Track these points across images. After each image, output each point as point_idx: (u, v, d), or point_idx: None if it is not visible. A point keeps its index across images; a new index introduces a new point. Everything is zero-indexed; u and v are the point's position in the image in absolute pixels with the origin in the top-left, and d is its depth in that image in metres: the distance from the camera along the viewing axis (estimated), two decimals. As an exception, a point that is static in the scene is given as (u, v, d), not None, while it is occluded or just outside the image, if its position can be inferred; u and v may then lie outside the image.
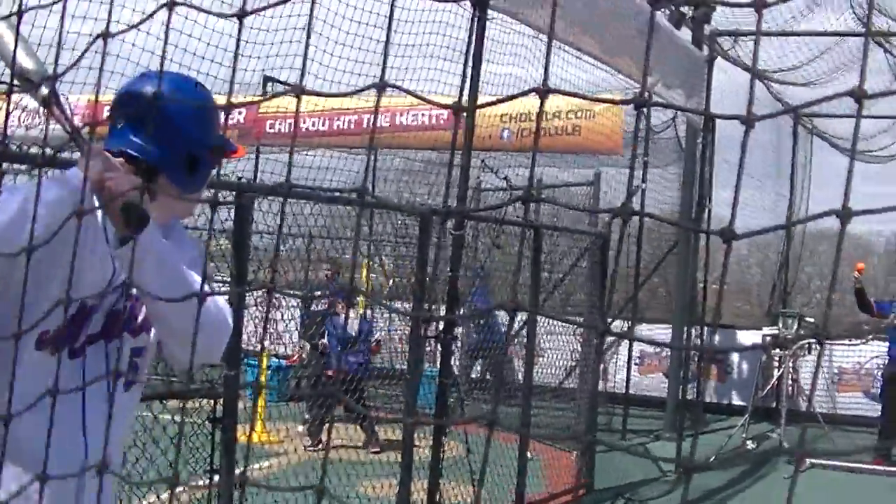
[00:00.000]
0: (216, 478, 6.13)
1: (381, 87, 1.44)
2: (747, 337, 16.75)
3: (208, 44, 9.82)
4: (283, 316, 15.85)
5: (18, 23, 2.67)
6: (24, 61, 2.76)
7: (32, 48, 2.86)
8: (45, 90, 2.75)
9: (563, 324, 12.50)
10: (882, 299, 15.48)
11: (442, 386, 7.94)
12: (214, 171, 3.23)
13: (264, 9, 1.43)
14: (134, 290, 2.92)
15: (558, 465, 11.23)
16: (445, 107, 1.41)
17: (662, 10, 12.49)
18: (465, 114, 7.65)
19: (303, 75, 1.45)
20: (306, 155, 15.19)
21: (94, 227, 2.79)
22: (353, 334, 12.58)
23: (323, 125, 16.26)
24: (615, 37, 9.82)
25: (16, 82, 2.74)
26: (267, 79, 15.75)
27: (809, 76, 15.83)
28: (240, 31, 1.36)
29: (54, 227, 2.49)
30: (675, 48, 11.71)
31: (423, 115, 15.88)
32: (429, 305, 8.80)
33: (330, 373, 12.77)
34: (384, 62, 1.50)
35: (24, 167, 4.74)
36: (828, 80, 15.64)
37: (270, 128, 16.59)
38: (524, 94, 1.38)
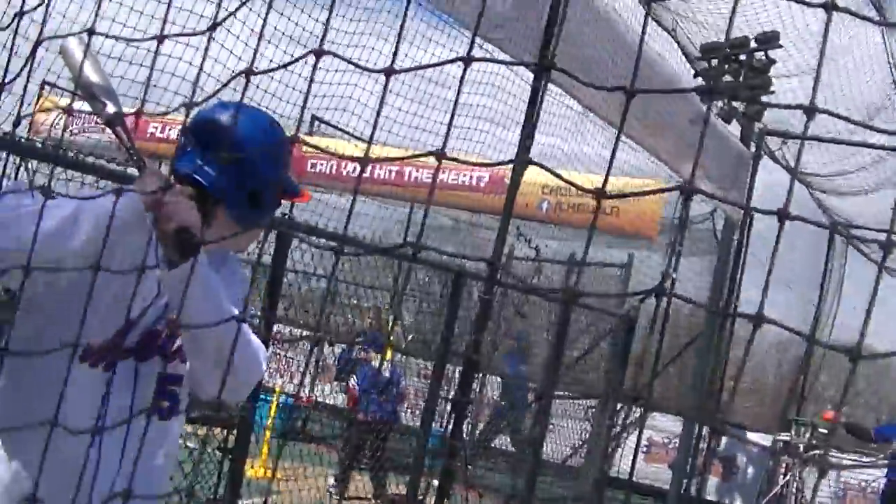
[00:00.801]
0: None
1: (439, 155, 1.45)
2: (757, 439, 16.62)
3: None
4: (296, 357, 15.88)
5: (89, 40, 2.70)
6: (92, 77, 2.80)
7: (101, 65, 2.89)
8: (111, 109, 2.78)
9: (575, 402, 12.47)
10: (882, 424, 15.34)
11: (452, 447, 7.91)
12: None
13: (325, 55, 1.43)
14: (174, 316, 2.91)
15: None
16: (501, 162, 1.41)
17: (714, 102, 12.52)
18: (507, 179, 7.66)
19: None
20: (339, 196, 15.28)
21: (148, 247, 2.78)
22: (383, 382, 12.67)
23: (365, 171, 16.29)
24: (664, 124, 9.85)
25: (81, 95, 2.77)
26: (314, 118, 15.87)
27: (854, 185, 15.80)
28: (311, 77, 1.37)
29: (99, 240, 2.52)
30: (722, 141, 11.74)
31: (464, 175, 15.91)
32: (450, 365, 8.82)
33: (360, 417, 12.82)
34: (448, 130, 1.52)
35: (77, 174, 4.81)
36: (874, 190, 15.62)
37: (311, 167, 16.65)
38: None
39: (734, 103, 13.14)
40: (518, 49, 7.02)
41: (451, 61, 1.39)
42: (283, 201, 3.19)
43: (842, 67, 12.99)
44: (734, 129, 13.31)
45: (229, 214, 2.93)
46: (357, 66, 1.54)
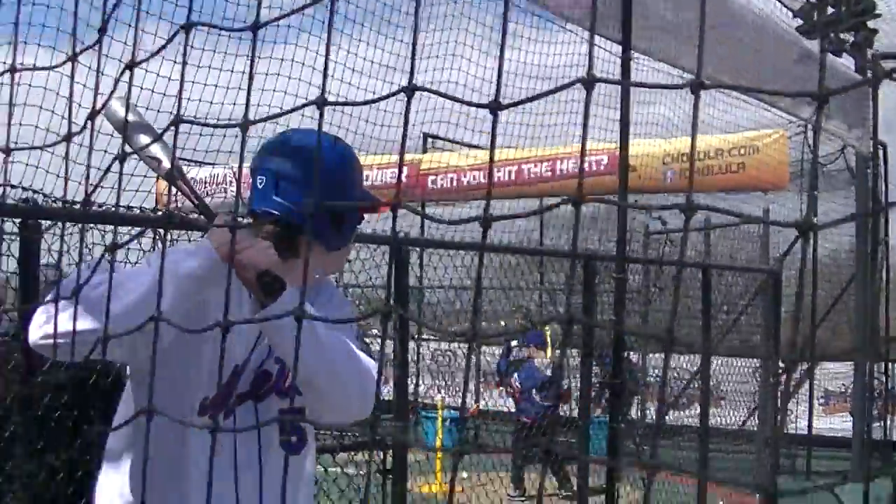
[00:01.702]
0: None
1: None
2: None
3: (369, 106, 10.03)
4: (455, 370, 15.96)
5: (127, 105, 2.75)
6: (140, 135, 2.83)
7: (149, 124, 2.93)
8: (166, 164, 2.82)
9: (741, 367, 12.32)
10: None
11: (612, 430, 7.86)
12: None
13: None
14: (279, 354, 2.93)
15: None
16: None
17: (819, 37, 12.23)
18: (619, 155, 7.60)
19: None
20: (468, 208, 15.35)
21: (237, 291, 2.80)
22: (545, 379, 12.73)
23: (483, 178, 16.37)
24: (769, 71, 9.65)
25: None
26: (427, 136, 15.98)
27: None
28: (408, 104, 1.36)
29: (185, 300, 2.56)
30: (835, 76, 11.45)
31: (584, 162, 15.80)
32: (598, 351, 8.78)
33: (524, 419, 12.87)
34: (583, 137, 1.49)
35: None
36: None
37: (433, 183, 16.75)
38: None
39: (841, 35, 12.81)
40: (600, 24, 6.96)
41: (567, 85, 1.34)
42: (364, 216, 3.18)
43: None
44: (847, 61, 12.98)
45: (315, 239, 2.88)
46: (461, 101, 1.53)
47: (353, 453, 6.17)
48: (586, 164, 15.79)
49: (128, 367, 2.97)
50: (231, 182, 16.62)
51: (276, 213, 2.88)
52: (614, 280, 7.76)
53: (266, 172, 2.91)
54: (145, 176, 7.74)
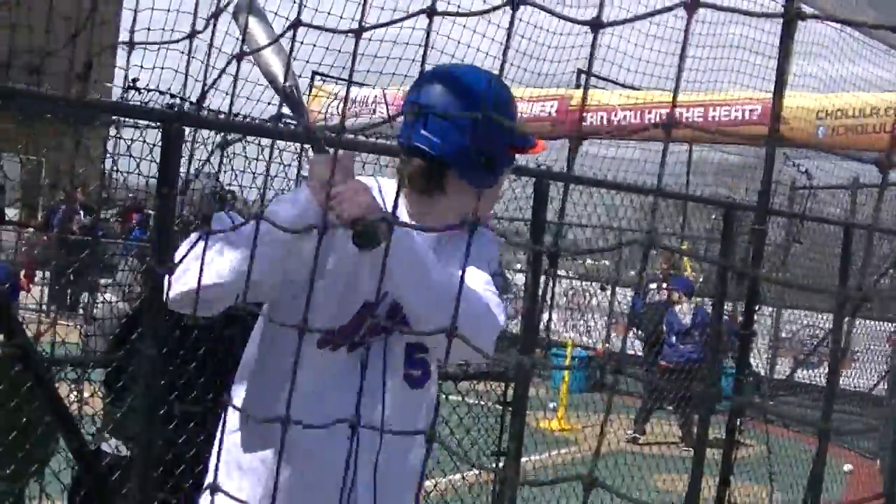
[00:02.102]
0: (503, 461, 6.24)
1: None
2: None
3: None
4: (592, 309, 16.02)
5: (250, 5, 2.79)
6: (267, 51, 2.80)
7: (284, 54, 2.86)
8: (288, 83, 2.76)
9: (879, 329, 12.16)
10: None
11: (738, 381, 7.86)
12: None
13: None
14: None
15: (862, 473, 10.90)
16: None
17: None
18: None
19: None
20: (617, 148, 15.31)
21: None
22: (688, 325, 12.70)
23: (635, 118, 16.25)
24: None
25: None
26: (580, 71, 15.94)
27: None
28: None
29: (293, 247, 2.61)
30: None
31: (735, 110, 15.64)
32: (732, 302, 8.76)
33: (664, 364, 12.89)
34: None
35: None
36: None
37: (583, 121, 16.68)
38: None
39: None
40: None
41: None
42: (514, 157, 3.06)
43: None
44: None
45: (461, 178, 2.87)
46: (558, 16, 1.54)
47: (475, 382, 6.19)
48: (738, 114, 15.61)
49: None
50: (379, 103, 16.69)
51: (425, 147, 2.84)
52: (754, 231, 7.73)
53: (418, 106, 2.86)
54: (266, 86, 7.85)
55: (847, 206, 14.59)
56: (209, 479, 2.92)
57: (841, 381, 11.83)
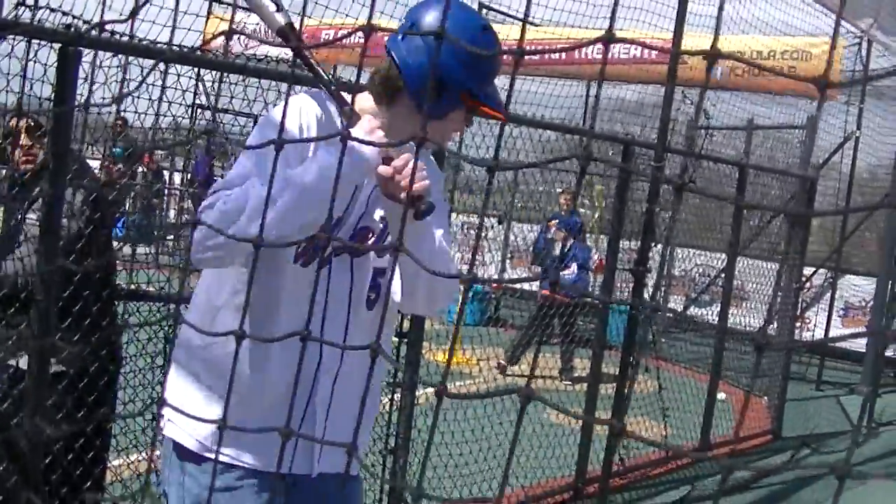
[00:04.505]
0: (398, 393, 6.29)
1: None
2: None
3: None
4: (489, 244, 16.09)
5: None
6: (268, 3, 2.84)
7: None
8: (282, 20, 2.81)
9: (767, 271, 12.39)
10: None
11: (632, 318, 7.97)
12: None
13: None
14: (383, 213, 3.00)
15: (749, 409, 11.16)
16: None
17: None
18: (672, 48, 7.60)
19: None
20: (522, 81, 15.32)
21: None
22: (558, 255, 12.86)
23: (536, 55, 16.27)
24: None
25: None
26: (482, 6, 15.89)
27: None
28: None
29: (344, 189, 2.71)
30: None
31: (635, 48, 15.75)
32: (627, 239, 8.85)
33: (545, 293, 13.01)
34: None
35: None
36: None
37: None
38: None
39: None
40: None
41: None
42: (474, 110, 3.03)
43: None
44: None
45: (410, 98, 2.92)
46: None
47: None
48: (637, 52, 15.73)
49: None
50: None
51: (394, 54, 2.91)
52: (651, 168, 7.82)
53: (410, 19, 2.94)
54: (197, 15, 7.71)
55: (741, 148, 14.79)
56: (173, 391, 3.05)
57: (732, 320, 12.10)
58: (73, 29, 4.39)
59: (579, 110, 17.98)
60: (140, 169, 17.56)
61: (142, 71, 5.15)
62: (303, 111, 2.86)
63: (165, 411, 2.98)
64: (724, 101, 15.14)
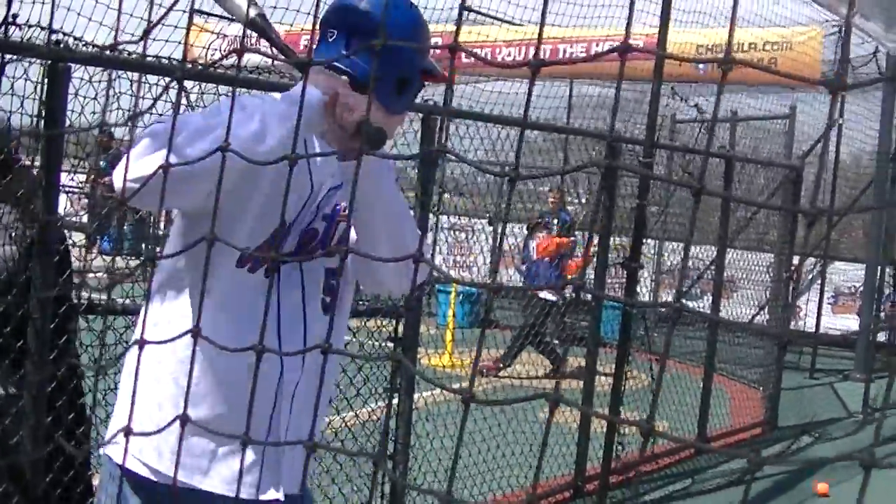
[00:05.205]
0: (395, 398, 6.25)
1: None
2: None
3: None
4: (478, 245, 16.10)
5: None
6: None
7: None
8: (252, 12, 2.81)
9: (758, 260, 12.43)
10: None
11: (626, 314, 7.98)
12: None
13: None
14: (328, 211, 2.95)
15: (744, 400, 11.18)
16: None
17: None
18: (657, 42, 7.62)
19: None
20: (503, 83, 15.33)
21: (302, 145, 2.84)
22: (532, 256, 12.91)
23: (519, 55, 16.29)
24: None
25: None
26: (463, 7, 15.87)
27: None
28: None
29: (287, 143, 2.58)
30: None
31: (617, 44, 15.75)
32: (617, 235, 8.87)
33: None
34: None
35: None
36: None
37: (467, 57, 16.65)
38: None
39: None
40: None
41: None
42: (424, 83, 3.05)
43: None
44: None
45: (378, 101, 2.86)
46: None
47: (366, 320, 6.16)
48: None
49: (176, 219, 2.97)
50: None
51: (343, 67, 2.84)
52: (641, 164, 7.82)
53: (337, 27, 2.89)
54: (175, 26, 7.70)
55: (726, 141, 14.82)
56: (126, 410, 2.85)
57: (723, 312, 12.13)
58: (62, 45, 4.38)
59: (560, 110, 18.01)
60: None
61: (131, 85, 5.14)
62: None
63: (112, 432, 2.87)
64: (703, 95, 15.18)
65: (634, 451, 8.63)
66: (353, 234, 2.93)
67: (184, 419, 1.45)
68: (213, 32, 14.90)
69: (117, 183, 2.50)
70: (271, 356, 2.69)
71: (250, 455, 2.83)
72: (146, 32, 1.82)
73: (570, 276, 12.85)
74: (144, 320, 2.78)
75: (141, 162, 2.47)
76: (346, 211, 2.98)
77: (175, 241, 2.96)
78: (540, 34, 1.31)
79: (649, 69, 7.69)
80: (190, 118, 2.62)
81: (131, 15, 7.93)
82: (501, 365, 12.21)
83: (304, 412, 2.95)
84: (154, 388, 2.84)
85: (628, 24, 1.24)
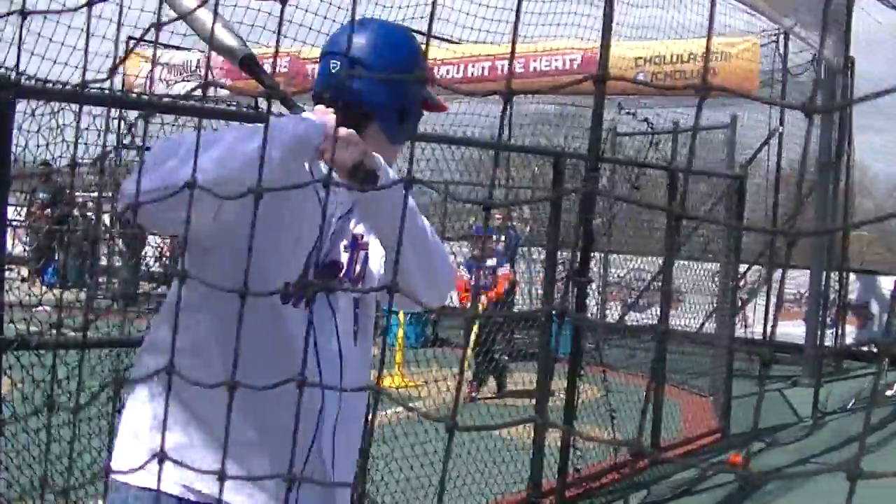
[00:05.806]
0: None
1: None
2: (888, 283, 16.43)
3: None
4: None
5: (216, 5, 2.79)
6: (226, 38, 2.86)
7: (230, 24, 2.95)
8: (242, 52, 2.84)
9: (702, 270, 12.52)
10: None
11: (577, 328, 7.99)
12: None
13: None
14: (348, 241, 2.95)
15: (694, 409, 11.23)
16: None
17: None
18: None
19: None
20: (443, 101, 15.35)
21: (308, 174, 2.82)
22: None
23: (458, 72, 16.33)
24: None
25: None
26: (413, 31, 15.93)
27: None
28: None
29: (288, 166, 2.56)
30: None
31: (556, 60, 15.84)
32: (563, 249, 8.88)
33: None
34: None
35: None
36: None
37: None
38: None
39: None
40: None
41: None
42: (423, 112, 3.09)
43: None
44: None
45: (380, 130, 2.91)
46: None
47: None
48: (559, 63, 15.81)
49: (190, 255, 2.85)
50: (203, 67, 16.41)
51: (354, 100, 2.86)
52: (586, 177, 7.84)
53: (341, 57, 2.92)
54: (107, 56, 7.67)
55: (668, 154, 14.92)
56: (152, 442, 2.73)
57: (671, 322, 12.18)
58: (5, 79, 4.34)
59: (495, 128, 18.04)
60: (74, 212, 17.23)
61: (74, 117, 5.09)
62: None
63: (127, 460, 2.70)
64: (648, 106, 15.26)
65: (594, 463, 8.65)
66: (373, 262, 3.00)
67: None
68: (150, 60, 14.83)
69: (130, 187, 2.47)
70: (313, 390, 2.72)
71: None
72: (113, 69, 1.78)
73: (501, 289, 12.82)
74: (154, 342, 2.88)
75: (160, 171, 2.43)
76: (364, 238, 2.98)
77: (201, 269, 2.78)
78: (513, 50, 1.30)
79: (589, 84, 7.71)
80: (189, 136, 2.66)
81: (74, 48, 7.90)
82: (477, 389, 12.22)
83: (343, 445, 2.94)
84: (182, 414, 2.77)
85: (602, 57, 1.23)
